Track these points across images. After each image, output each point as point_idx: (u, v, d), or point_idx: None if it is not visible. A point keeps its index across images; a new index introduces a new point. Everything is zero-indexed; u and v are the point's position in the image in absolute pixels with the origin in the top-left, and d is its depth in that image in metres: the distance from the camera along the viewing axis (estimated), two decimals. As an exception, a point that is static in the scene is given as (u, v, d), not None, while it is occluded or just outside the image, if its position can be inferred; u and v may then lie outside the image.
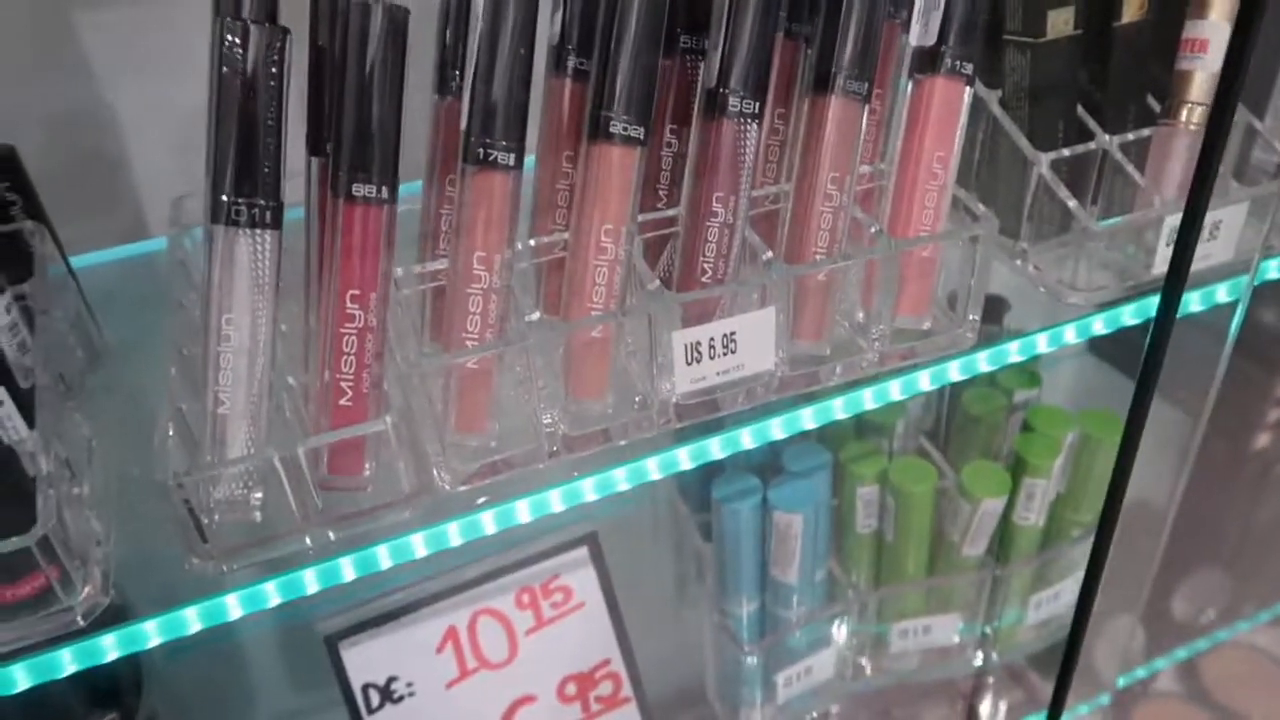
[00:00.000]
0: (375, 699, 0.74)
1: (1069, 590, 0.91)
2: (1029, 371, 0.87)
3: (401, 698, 0.74)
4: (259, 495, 0.49)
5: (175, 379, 0.52)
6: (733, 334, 0.53)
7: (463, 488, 0.52)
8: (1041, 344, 0.61)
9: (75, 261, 0.67)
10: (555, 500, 0.54)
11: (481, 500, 0.52)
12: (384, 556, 0.50)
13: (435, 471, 0.51)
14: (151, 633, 0.46)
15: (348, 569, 0.49)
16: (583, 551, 0.78)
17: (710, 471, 0.79)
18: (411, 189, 0.51)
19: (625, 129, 0.49)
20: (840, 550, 0.84)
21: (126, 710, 0.69)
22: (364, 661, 0.73)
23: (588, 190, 0.51)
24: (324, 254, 0.51)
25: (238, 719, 0.87)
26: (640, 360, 0.55)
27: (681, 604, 0.92)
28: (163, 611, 0.47)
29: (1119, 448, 0.68)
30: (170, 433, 0.49)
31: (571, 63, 0.54)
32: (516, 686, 0.78)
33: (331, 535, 0.49)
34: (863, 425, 0.84)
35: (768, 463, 0.79)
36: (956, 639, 0.88)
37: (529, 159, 0.49)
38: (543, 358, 0.52)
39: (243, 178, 0.45)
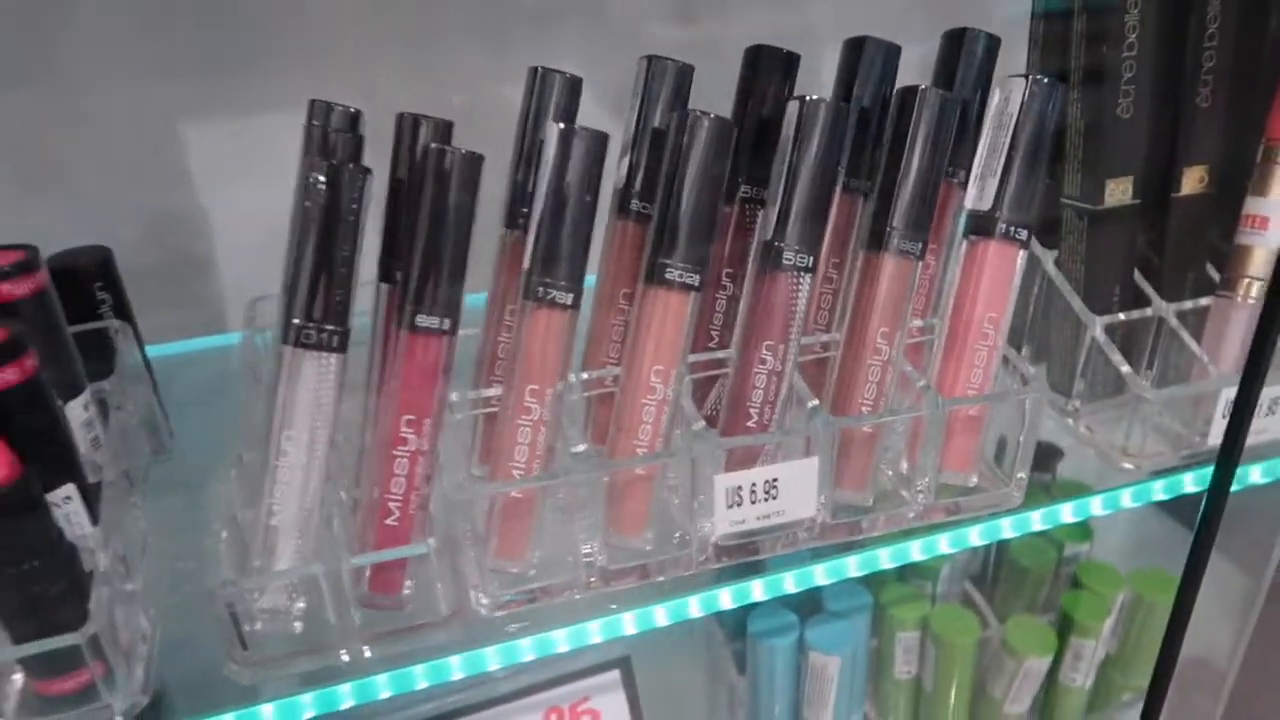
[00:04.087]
0: (394, 813, 0.73)
1: (1118, 758, 0.87)
2: (1082, 525, 0.85)
3: (421, 814, 0.73)
4: (301, 606, 0.50)
5: (233, 484, 0.54)
6: (775, 480, 0.53)
7: (500, 613, 0.52)
8: (1095, 507, 0.60)
9: (152, 350, 0.70)
10: (593, 631, 0.54)
11: (517, 627, 0.53)
12: (420, 676, 0.50)
13: (473, 595, 0.52)
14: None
15: (384, 686, 0.49)
16: (615, 675, 0.78)
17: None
18: (473, 300, 0.53)
19: (682, 276, 0.51)
20: (877, 694, 0.82)
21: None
22: (386, 773, 0.73)
23: (641, 331, 0.52)
24: (384, 376, 0.53)
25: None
26: (682, 497, 0.55)
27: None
28: (198, 717, 0.48)
29: (1173, 609, 0.65)
30: (223, 537, 0.50)
31: (635, 206, 0.57)
32: (538, 810, 0.76)
33: (368, 652, 0.50)
34: (906, 567, 0.83)
35: (806, 598, 0.78)
36: (993, 799, 0.85)
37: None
38: (587, 490, 0.53)
39: (314, 304, 0.48)
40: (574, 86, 0.57)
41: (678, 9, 0.85)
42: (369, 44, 0.79)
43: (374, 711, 0.72)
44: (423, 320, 0.49)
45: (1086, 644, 0.78)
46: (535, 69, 0.57)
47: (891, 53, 0.59)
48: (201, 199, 0.81)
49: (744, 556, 0.56)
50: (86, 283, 0.63)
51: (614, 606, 0.54)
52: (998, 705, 0.79)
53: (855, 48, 0.59)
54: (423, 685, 0.51)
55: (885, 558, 0.57)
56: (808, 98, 0.51)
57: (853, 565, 0.58)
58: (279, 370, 0.48)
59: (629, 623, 0.55)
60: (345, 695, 0.50)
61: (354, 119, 0.58)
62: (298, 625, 0.50)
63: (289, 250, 0.49)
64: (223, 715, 0.48)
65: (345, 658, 0.50)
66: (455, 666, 0.51)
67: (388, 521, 0.50)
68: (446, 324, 0.49)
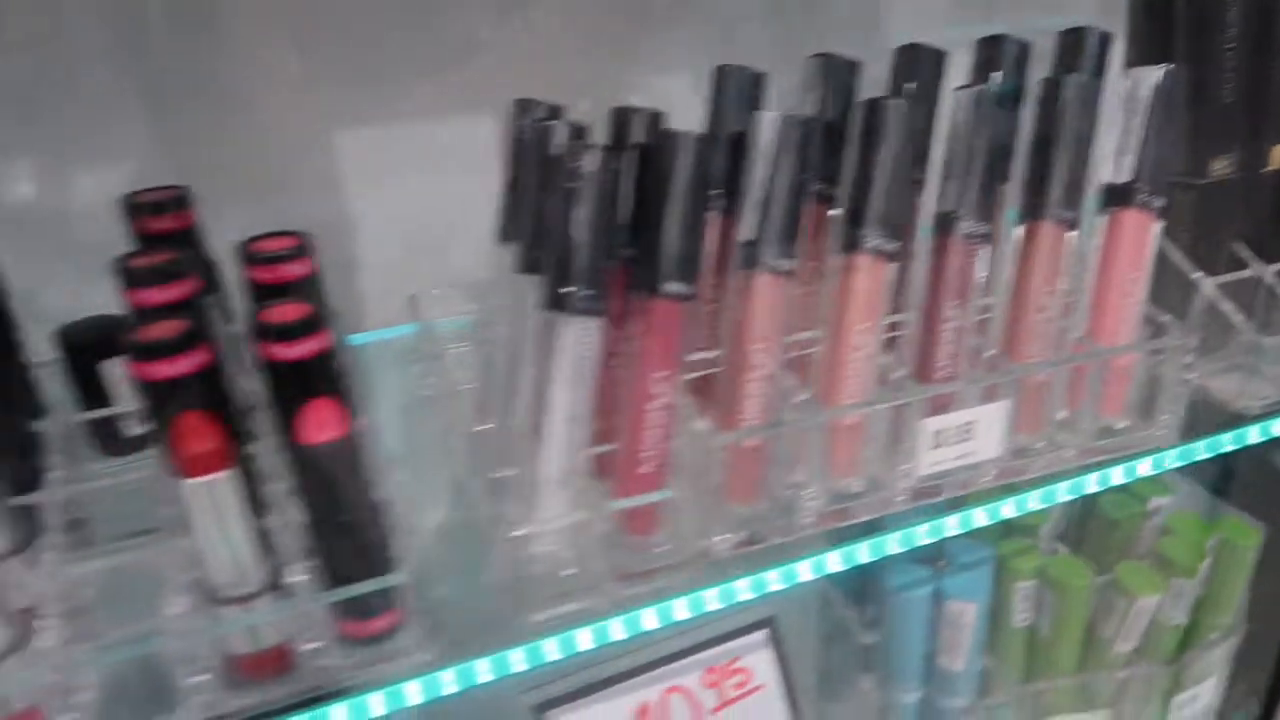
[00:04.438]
0: (574, 770, 0.77)
1: (1206, 694, 0.94)
2: (1162, 481, 0.93)
3: (597, 771, 0.78)
4: (568, 553, 0.55)
5: (476, 449, 0.59)
6: (970, 424, 0.60)
7: (734, 552, 0.58)
8: (1227, 443, 0.67)
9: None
10: (802, 571, 0.60)
11: (743, 567, 0.59)
12: (680, 609, 0.56)
13: (713, 538, 0.58)
14: (484, 671, 0.52)
15: (649, 620, 0.55)
16: (763, 635, 0.83)
17: (866, 566, 0.85)
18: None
19: (880, 245, 0.58)
20: (993, 643, 0.89)
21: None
22: (566, 733, 0.77)
23: (845, 296, 0.59)
24: (618, 341, 0.58)
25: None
26: (879, 447, 0.62)
27: (833, 691, 0.96)
28: (489, 653, 0.53)
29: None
30: (481, 492, 0.56)
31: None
32: (700, 765, 0.81)
33: (626, 591, 0.55)
34: (1010, 528, 0.90)
35: (931, 554, 0.84)
36: (1101, 738, 0.92)
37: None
38: (816, 436, 0.58)
39: (578, 273, 0.53)
40: (758, 81, 0.63)
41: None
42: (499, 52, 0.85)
43: (560, 672, 0.77)
44: (672, 287, 0.54)
45: (1187, 583, 0.85)
46: (722, 67, 0.63)
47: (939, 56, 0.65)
48: (345, 205, 0.85)
49: (932, 498, 0.62)
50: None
51: (826, 546, 0.60)
52: (1108, 645, 0.86)
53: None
54: (683, 616, 0.56)
55: (1062, 491, 0.64)
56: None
57: (1033, 500, 0.64)
58: (545, 336, 0.54)
59: (836, 561, 0.61)
60: (614, 630, 0.55)
61: (556, 112, 0.63)
62: (566, 571, 0.55)
63: (551, 227, 0.54)
64: (512, 649, 0.53)
65: (607, 597, 0.55)
66: (707, 601, 0.57)
67: (642, 470, 0.56)
68: (690, 289, 0.55)
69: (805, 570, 0.61)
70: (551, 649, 0.53)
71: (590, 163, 0.52)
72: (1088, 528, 0.94)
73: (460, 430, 0.62)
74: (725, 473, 0.58)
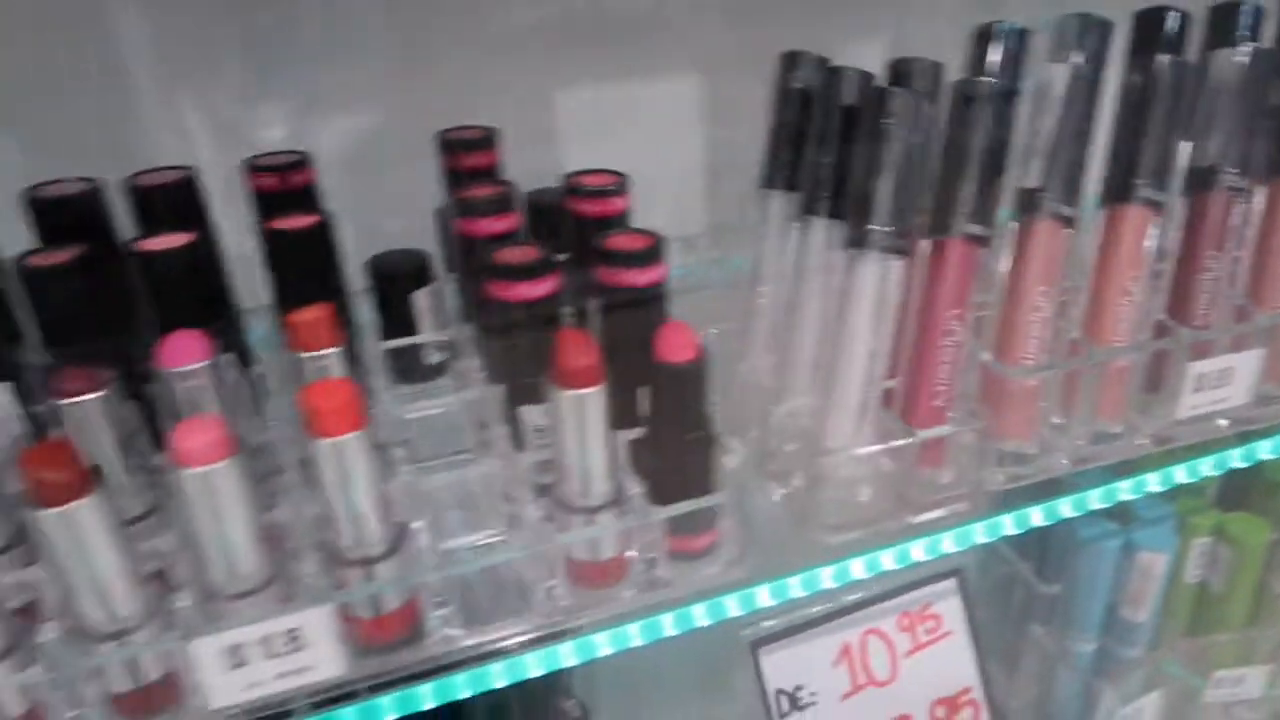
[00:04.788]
0: (785, 705, 0.80)
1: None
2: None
3: (805, 705, 0.81)
4: (865, 482, 0.58)
5: (762, 383, 0.62)
6: (1229, 369, 0.63)
7: (1006, 487, 0.61)
8: None
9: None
10: (1064, 508, 0.63)
11: (1013, 502, 0.61)
12: (979, 533, 0.59)
13: (984, 471, 0.60)
14: (795, 587, 0.55)
15: (948, 544, 0.58)
16: (952, 583, 0.86)
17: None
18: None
19: (1150, 194, 0.60)
20: (1165, 599, 0.91)
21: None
22: (778, 668, 0.80)
23: (1110, 247, 0.62)
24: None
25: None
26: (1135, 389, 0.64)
27: (1006, 641, 0.99)
28: (796, 571, 0.56)
29: None
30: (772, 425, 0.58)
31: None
32: (895, 705, 0.84)
33: (920, 519, 0.58)
34: (1180, 490, 0.92)
35: (1117, 510, 0.87)
36: (1260, 692, 0.95)
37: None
38: (1091, 377, 0.61)
39: (882, 214, 0.56)
40: (1023, 37, 0.66)
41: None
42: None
43: (764, 617, 0.80)
44: (972, 229, 0.57)
45: (1359, 539, 0.88)
46: (988, 24, 0.65)
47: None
48: (568, 157, 0.87)
49: (1183, 441, 0.65)
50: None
51: (1084, 485, 0.63)
52: (1276, 600, 0.89)
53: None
54: (983, 540, 0.59)
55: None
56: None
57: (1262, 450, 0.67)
58: (852, 274, 0.56)
59: (1096, 498, 0.64)
60: (915, 553, 0.58)
61: (825, 64, 0.65)
62: (863, 496, 0.58)
63: (853, 172, 0.56)
64: (823, 566, 0.56)
65: (896, 524, 0.58)
66: (978, 533, 0.60)
67: (934, 404, 0.59)
68: (988, 232, 0.58)
69: (1066, 508, 0.63)
70: (857, 569, 0.56)
71: (901, 111, 0.55)
72: (1249, 490, 0.97)
73: (747, 365, 0.65)
74: (1002, 410, 0.61)
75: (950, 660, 0.86)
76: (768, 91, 0.65)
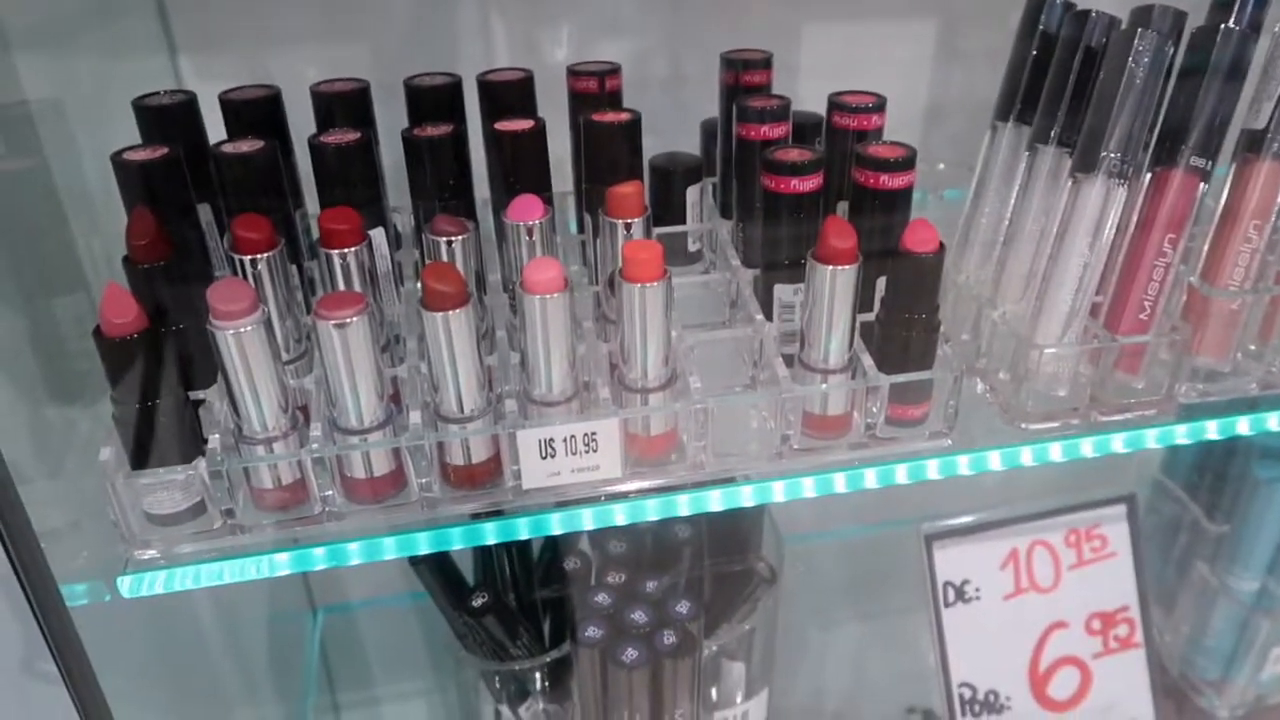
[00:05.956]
0: (951, 596, 0.89)
1: None
2: None
3: (970, 599, 0.90)
4: (1066, 377, 0.66)
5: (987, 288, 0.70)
6: None
7: (1196, 400, 0.67)
8: None
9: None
10: (1242, 424, 0.69)
11: (1201, 414, 0.68)
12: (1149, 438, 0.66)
13: (1183, 384, 0.67)
14: (994, 461, 0.64)
15: (1117, 444, 0.65)
16: (1122, 508, 0.92)
17: (1205, 455, 0.94)
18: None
19: None
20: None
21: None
22: (948, 562, 0.89)
23: (1237, 199, 0.66)
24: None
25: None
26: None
27: (1168, 575, 1.04)
28: (998, 447, 0.64)
29: None
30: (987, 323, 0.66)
31: None
32: (1054, 612, 0.92)
33: (1102, 418, 0.66)
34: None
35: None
36: None
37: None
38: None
39: (1112, 142, 0.62)
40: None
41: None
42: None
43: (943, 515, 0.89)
44: (1196, 161, 0.63)
45: None
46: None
47: None
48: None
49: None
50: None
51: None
52: None
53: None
54: (1152, 446, 0.66)
55: None
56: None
57: None
58: (1076, 193, 0.64)
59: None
60: (1084, 448, 0.66)
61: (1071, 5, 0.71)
62: (1061, 390, 0.66)
63: (1091, 103, 0.63)
64: (1020, 447, 0.64)
65: (1087, 420, 0.66)
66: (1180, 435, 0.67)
67: (1140, 316, 0.66)
68: (1210, 165, 0.64)
69: (1243, 425, 0.69)
70: (1055, 452, 0.64)
71: (1146, 50, 0.61)
72: None
73: (964, 276, 0.73)
74: (1202, 329, 0.67)
75: (1112, 579, 0.93)
76: (996, 37, 0.73)
